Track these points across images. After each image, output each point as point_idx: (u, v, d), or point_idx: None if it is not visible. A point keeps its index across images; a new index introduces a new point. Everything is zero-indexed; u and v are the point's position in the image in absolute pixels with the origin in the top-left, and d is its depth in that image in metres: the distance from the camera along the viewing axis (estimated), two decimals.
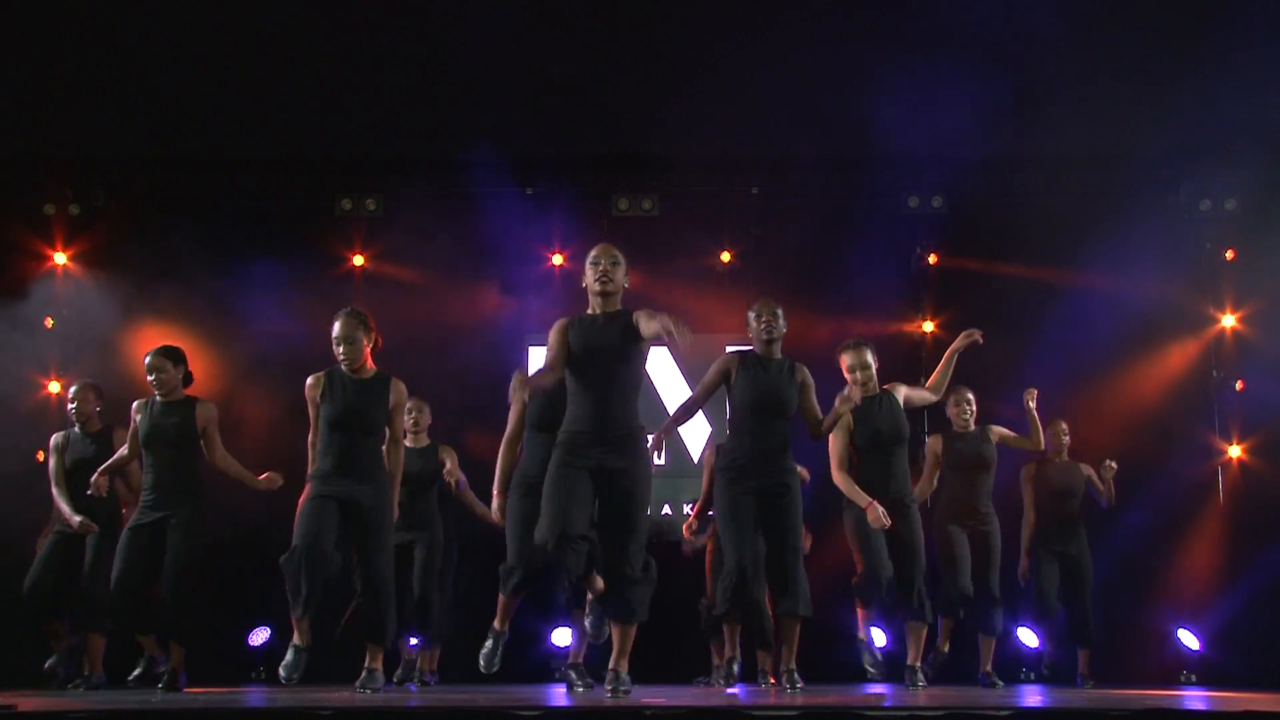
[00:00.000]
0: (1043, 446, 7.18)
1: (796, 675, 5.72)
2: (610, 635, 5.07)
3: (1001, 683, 6.94)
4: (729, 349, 7.34)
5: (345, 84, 8.33)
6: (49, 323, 8.79)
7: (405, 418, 6.80)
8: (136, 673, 6.81)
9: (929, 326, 9.13)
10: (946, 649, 7.10)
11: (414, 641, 7.03)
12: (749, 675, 6.80)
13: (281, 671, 5.51)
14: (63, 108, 8.25)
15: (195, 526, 6.13)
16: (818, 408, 5.84)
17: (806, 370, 5.87)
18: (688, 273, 9.14)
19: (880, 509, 5.95)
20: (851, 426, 6.23)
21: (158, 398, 6.22)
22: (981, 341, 6.45)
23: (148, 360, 6.22)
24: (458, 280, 8.90)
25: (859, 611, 6.25)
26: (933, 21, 7.49)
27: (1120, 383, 8.78)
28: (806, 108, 8.56)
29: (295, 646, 5.51)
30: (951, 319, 9.09)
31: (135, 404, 6.27)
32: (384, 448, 5.77)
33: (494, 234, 8.94)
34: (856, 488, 6.12)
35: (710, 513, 6.75)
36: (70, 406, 6.83)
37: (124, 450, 6.33)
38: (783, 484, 5.73)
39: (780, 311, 5.88)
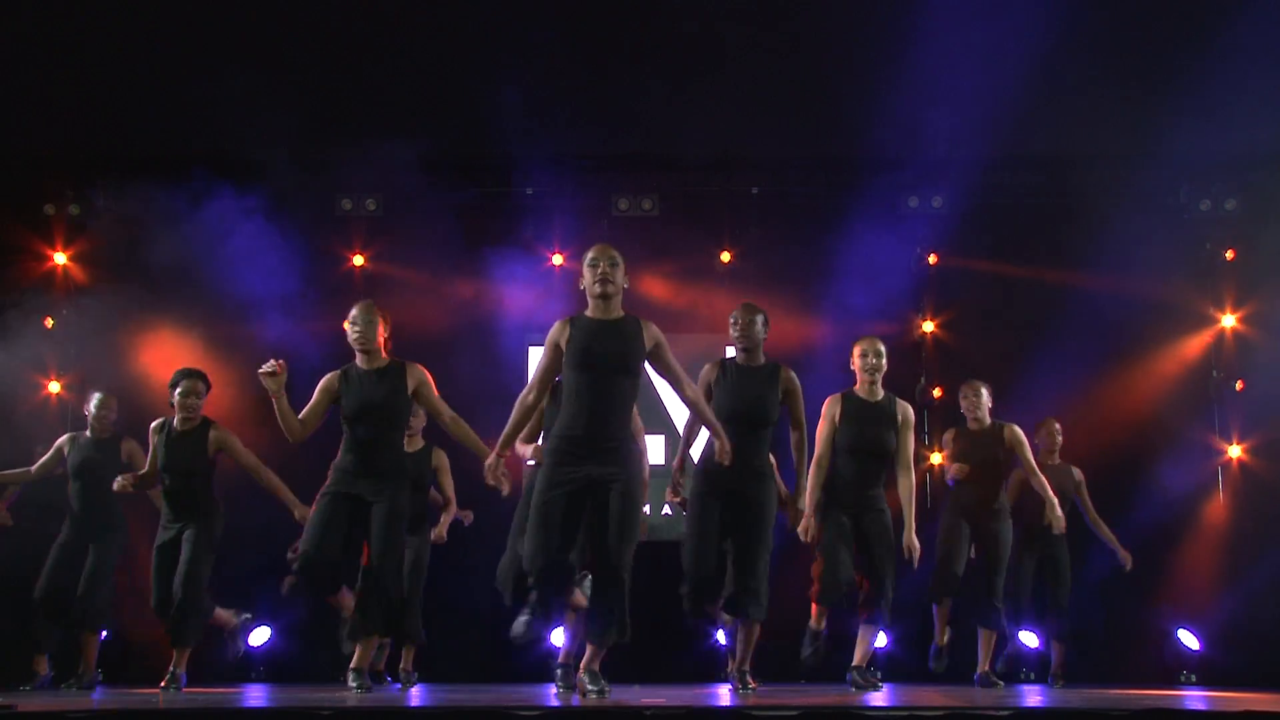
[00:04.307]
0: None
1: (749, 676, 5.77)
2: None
3: (1002, 683, 6.94)
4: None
5: (345, 84, 8.32)
6: (49, 323, 8.78)
7: None
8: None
9: (929, 326, 9.12)
10: (945, 640, 7.11)
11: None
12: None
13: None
14: (63, 108, 8.24)
15: (207, 538, 6.32)
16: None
17: (793, 374, 5.78)
18: (688, 273, 9.13)
19: (813, 524, 5.87)
20: (837, 423, 6.08)
21: (175, 423, 6.30)
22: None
23: (184, 384, 6.31)
24: (458, 280, 8.89)
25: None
26: (933, 21, 7.47)
27: (1120, 383, 8.78)
28: (806, 108, 8.54)
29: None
30: (951, 319, 9.10)
31: (153, 425, 6.41)
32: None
33: (494, 234, 8.94)
34: (813, 490, 5.97)
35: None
36: (93, 412, 6.96)
37: (146, 474, 6.44)
38: (754, 488, 5.63)
39: (760, 316, 5.77)
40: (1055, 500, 6.84)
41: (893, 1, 7.98)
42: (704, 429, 5.42)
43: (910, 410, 6.21)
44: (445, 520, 7.21)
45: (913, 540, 6.05)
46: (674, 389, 5.15)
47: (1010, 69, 7.44)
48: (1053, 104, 8.29)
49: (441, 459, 7.22)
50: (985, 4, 7.42)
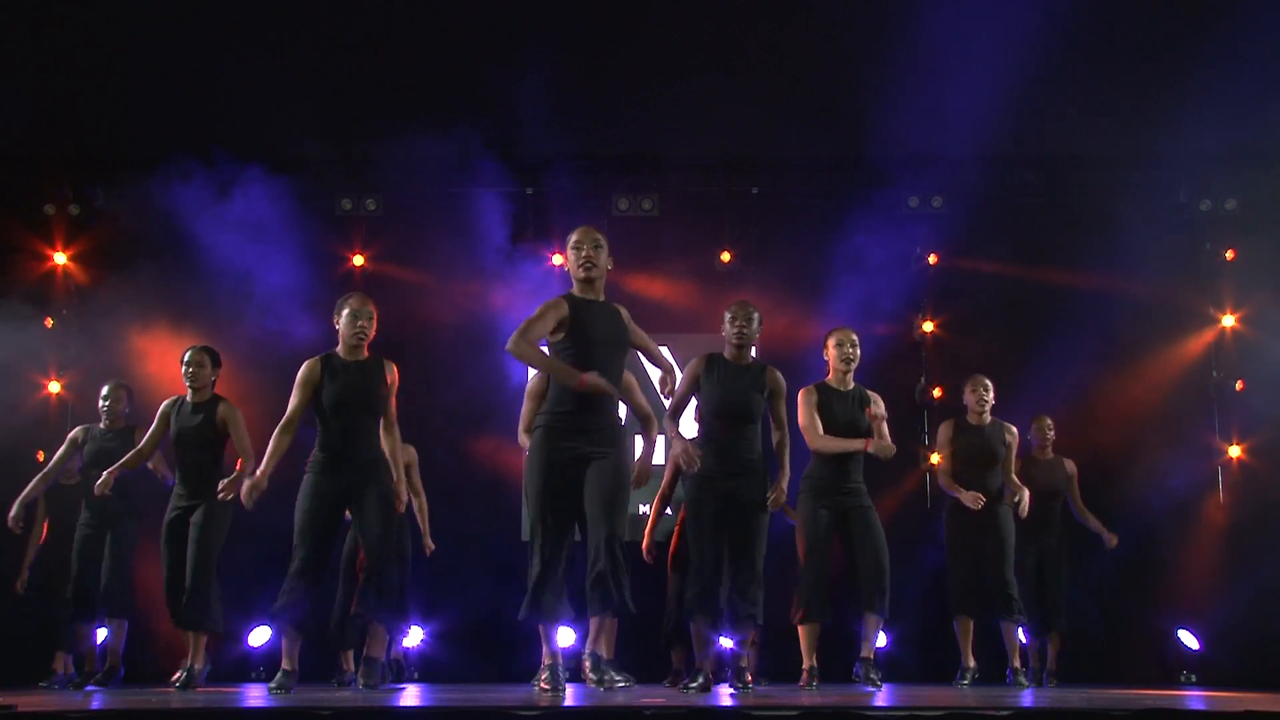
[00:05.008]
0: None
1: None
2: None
3: (1026, 680, 6.92)
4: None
5: (344, 83, 8.32)
6: (49, 323, 8.78)
7: None
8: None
9: (929, 326, 9.12)
10: (973, 662, 7.04)
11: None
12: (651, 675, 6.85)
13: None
14: (63, 108, 8.24)
15: (216, 518, 6.26)
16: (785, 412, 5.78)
17: (779, 374, 5.80)
18: (688, 273, 9.13)
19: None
20: (816, 411, 6.06)
21: (188, 397, 6.34)
22: None
23: (187, 355, 6.38)
24: (458, 280, 8.89)
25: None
26: (934, 21, 7.48)
27: (1120, 383, 8.78)
28: (807, 108, 8.54)
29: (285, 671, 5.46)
30: (951, 319, 9.10)
31: (165, 403, 6.44)
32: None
33: (494, 234, 8.94)
34: (845, 441, 5.96)
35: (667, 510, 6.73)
36: (103, 404, 6.96)
37: (140, 448, 6.47)
38: (746, 483, 5.63)
39: (756, 315, 5.79)
40: (1025, 491, 6.92)
41: (893, 3, 7.98)
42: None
43: (879, 400, 6.20)
44: (424, 526, 7.18)
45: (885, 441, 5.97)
46: (646, 356, 5.30)
47: (1010, 69, 7.44)
48: (1053, 104, 8.29)
49: (411, 454, 7.08)
50: (986, 5, 7.42)
